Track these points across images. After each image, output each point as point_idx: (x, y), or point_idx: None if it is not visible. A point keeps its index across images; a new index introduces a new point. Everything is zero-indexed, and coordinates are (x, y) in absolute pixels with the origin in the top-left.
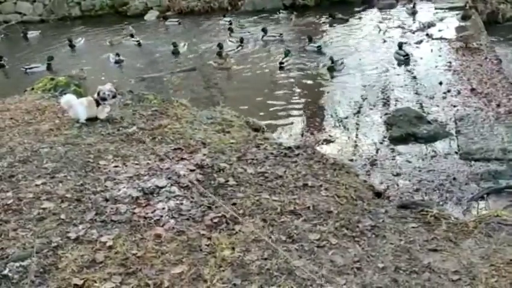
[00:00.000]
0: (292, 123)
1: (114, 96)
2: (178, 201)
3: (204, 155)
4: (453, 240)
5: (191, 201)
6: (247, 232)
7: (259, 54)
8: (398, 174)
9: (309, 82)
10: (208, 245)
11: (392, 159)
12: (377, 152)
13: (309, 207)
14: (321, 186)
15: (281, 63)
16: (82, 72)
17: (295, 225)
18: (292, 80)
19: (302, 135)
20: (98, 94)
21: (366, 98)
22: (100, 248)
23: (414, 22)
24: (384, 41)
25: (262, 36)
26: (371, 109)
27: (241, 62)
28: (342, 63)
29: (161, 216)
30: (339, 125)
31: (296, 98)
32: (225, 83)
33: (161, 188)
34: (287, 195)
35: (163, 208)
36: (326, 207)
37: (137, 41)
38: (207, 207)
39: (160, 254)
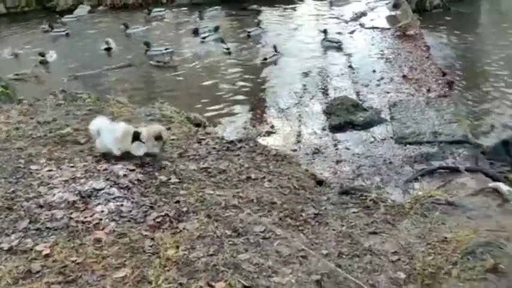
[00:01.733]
0: (235, 116)
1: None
2: (118, 203)
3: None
4: (391, 222)
5: (132, 202)
6: (191, 229)
7: (200, 49)
8: (338, 162)
9: (251, 76)
10: (151, 246)
11: (332, 147)
12: (317, 141)
13: (253, 200)
14: (264, 178)
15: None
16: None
17: (240, 219)
18: (234, 72)
19: (244, 128)
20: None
21: (306, 88)
22: (35, 257)
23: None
24: (320, 31)
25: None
26: (311, 99)
27: (186, 59)
28: (275, 55)
29: (101, 219)
30: (281, 116)
31: (238, 90)
32: (167, 79)
33: (100, 190)
34: (231, 189)
35: (102, 211)
36: (269, 198)
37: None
38: (149, 207)
39: (101, 259)
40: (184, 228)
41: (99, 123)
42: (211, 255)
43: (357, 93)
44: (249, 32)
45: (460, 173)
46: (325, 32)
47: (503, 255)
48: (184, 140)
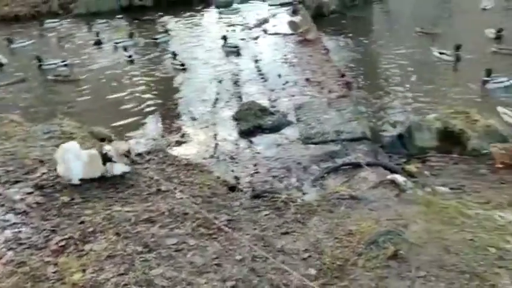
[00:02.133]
0: (143, 127)
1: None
2: (15, 230)
3: (43, 173)
4: (301, 221)
5: (31, 227)
6: (99, 250)
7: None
8: (249, 166)
9: (159, 86)
10: (55, 272)
11: (243, 152)
12: (228, 147)
13: (164, 213)
14: (175, 189)
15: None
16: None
17: (152, 233)
18: (142, 83)
19: (154, 139)
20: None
21: (215, 95)
22: None
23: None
24: (224, 38)
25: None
26: (220, 105)
27: (89, 71)
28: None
29: None
30: (191, 125)
31: (146, 101)
32: (68, 94)
33: None
34: (141, 203)
35: None
36: (181, 209)
37: None
38: (50, 231)
39: None
40: (91, 250)
41: (66, 149)
42: (122, 274)
43: (265, 98)
44: (155, 39)
45: (361, 168)
46: (225, 38)
47: (402, 242)
48: None
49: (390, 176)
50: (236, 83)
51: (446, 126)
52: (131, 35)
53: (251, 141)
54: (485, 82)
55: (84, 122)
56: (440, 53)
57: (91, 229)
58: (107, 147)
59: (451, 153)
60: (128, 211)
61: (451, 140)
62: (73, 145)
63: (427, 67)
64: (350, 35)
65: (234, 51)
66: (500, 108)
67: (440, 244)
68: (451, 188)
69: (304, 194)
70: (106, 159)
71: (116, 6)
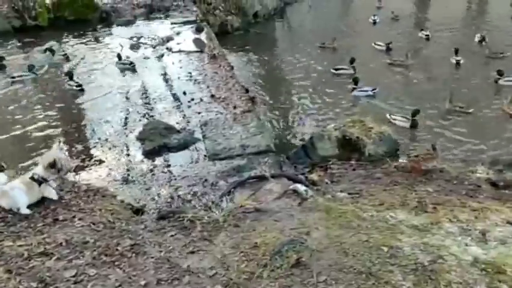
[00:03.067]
0: (39, 154)
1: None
2: None
3: None
4: (208, 238)
5: None
6: None
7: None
8: (155, 187)
9: (61, 105)
10: None
11: (148, 173)
12: (133, 169)
13: (61, 244)
14: (74, 217)
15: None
16: None
17: (48, 267)
18: (45, 103)
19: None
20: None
21: (118, 115)
22: None
23: (139, 44)
24: (118, 56)
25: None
26: (125, 125)
27: None
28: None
29: None
30: (95, 147)
31: (50, 123)
32: None
33: None
34: (35, 236)
35: None
36: (81, 238)
37: None
38: None
39: None
40: None
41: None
42: None
43: (170, 116)
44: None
45: (267, 180)
46: (119, 56)
47: (304, 249)
48: None
49: (292, 186)
50: (139, 102)
51: (344, 135)
52: (30, 68)
53: (157, 161)
54: (353, 90)
55: None
56: (337, 69)
57: None
58: (35, 169)
59: (350, 160)
60: (20, 245)
61: (349, 148)
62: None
63: (328, 80)
64: (254, 51)
65: (128, 68)
66: (389, 116)
67: (339, 248)
68: (349, 193)
69: (211, 211)
70: (38, 182)
71: (8, 27)
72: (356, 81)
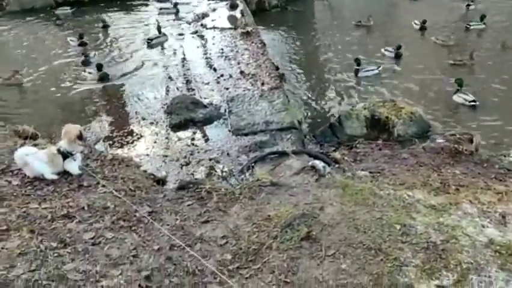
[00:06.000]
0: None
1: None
2: None
3: None
4: (222, 209)
5: None
6: (11, 247)
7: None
8: (179, 159)
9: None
10: None
11: (174, 145)
12: (159, 141)
13: (83, 208)
14: (97, 183)
15: (149, 39)
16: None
17: (69, 229)
18: (89, 86)
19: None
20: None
21: (149, 90)
22: None
23: (175, 20)
24: (163, 34)
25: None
26: (157, 96)
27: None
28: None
29: None
30: (127, 119)
31: (88, 99)
32: (9, 95)
33: None
34: (60, 200)
35: None
36: (102, 203)
37: None
38: None
39: None
40: (2, 248)
41: (24, 152)
42: (33, 270)
43: (198, 91)
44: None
45: (288, 156)
46: (158, 29)
47: (316, 223)
48: (6, 155)
49: (310, 162)
50: (170, 77)
51: (373, 115)
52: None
53: (182, 135)
54: (356, 71)
55: (8, 121)
56: (386, 50)
57: (4, 227)
58: (60, 143)
59: (378, 140)
60: (45, 208)
61: (378, 128)
62: (29, 149)
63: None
64: (290, 29)
65: (162, 42)
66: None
67: (351, 224)
68: (370, 172)
69: (228, 183)
70: (63, 155)
71: (51, 1)
72: (358, 62)
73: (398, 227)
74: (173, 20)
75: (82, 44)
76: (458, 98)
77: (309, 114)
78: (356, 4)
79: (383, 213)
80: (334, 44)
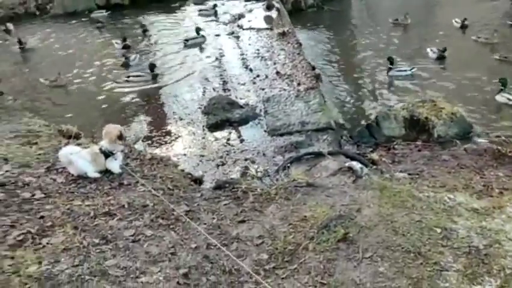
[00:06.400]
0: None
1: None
2: None
3: (6, 171)
4: (258, 209)
5: None
6: (56, 243)
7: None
8: (215, 159)
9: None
10: (11, 265)
11: (210, 145)
12: (196, 141)
13: (124, 206)
14: (137, 182)
15: (186, 40)
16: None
17: (110, 226)
18: (129, 88)
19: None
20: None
21: (187, 90)
22: None
23: (213, 20)
24: (201, 36)
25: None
26: (192, 100)
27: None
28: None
29: None
30: (165, 119)
31: (129, 103)
32: (54, 96)
33: None
34: (101, 197)
35: None
36: (141, 202)
37: None
38: (9, 227)
39: None
40: (48, 243)
41: (68, 151)
42: (77, 265)
43: (234, 92)
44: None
45: (323, 157)
46: (197, 30)
47: (353, 225)
48: (51, 154)
49: (347, 163)
50: (206, 78)
51: (412, 115)
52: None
53: (219, 134)
54: (389, 70)
55: (54, 120)
56: (431, 50)
57: (49, 223)
58: (102, 142)
59: (417, 141)
60: (88, 205)
61: (417, 128)
62: (73, 148)
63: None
64: (326, 28)
65: (200, 42)
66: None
67: (389, 226)
68: (409, 174)
69: (264, 183)
70: (105, 154)
71: (93, 5)
72: (391, 61)
73: (439, 230)
74: (211, 21)
75: (126, 47)
76: (501, 97)
77: (345, 114)
78: (393, 2)
79: (422, 216)
80: (371, 43)
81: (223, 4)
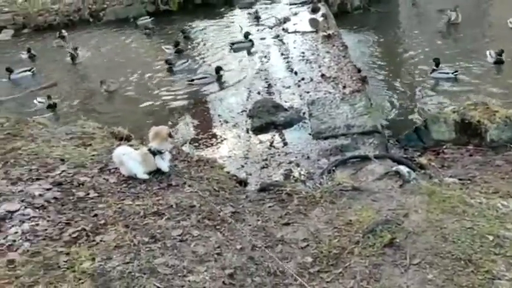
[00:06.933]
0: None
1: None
2: (33, 223)
3: (63, 171)
4: (303, 212)
5: (47, 221)
6: (108, 240)
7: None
8: (259, 161)
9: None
10: (66, 261)
11: (254, 148)
12: (240, 143)
13: (172, 206)
14: (184, 183)
15: (232, 43)
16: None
17: (159, 225)
18: (176, 92)
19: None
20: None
21: (232, 94)
22: None
23: (258, 25)
24: (249, 40)
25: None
26: (239, 104)
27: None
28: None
29: (14, 240)
30: (211, 122)
31: (177, 107)
32: (106, 99)
33: (14, 212)
34: (151, 198)
35: (16, 232)
36: (188, 202)
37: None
38: (65, 224)
39: (13, 279)
40: (101, 240)
41: (121, 152)
42: (127, 263)
43: (279, 95)
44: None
45: (370, 161)
46: (245, 35)
47: (400, 230)
48: (104, 155)
49: (394, 168)
50: (254, 81)
51: (463, 118)
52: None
53: (263, 137)
54: (432, 71)
55: (106, 123)
56: (489, 53)
57: (102, 221)
58: (150, 144)
59: (468, 145)
60: (138, 205)
61: (468, 132)
62: (125, 148)
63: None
64: (373, 30)
65: (248, 47)
66: None
67: (438, 232)
68: (460, 179)
69: (308, 186)
70: (153, 154)
71: (144, 12)
72: (437, 63)
73: (491, 237)
74: (256, 25)
75: (178, 52)
76: None
77: (392, 117)
78: (443, 2)
79: (473, 223)
80: (419, 44)
81: (267, 8)
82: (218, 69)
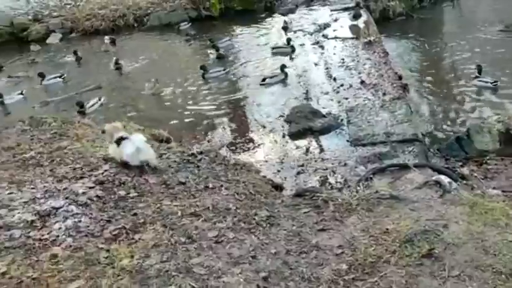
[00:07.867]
0: (204, 131)
1: None
2: (76, 219)
3: (105, 171)
4: (339, 219)
5: (90, 218)
6: (147, 239)
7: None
8: (296, 166)
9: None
10: (106, 257)
11: (291, 153)
12: (277, 148)
13: (208, 208)
14: (221, 186)
15: (273, 48)
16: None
17: (195, 226)
18: (215, 96)
19: (208, 140)
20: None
21: (270, 99)
22: None
23: (286, 35)
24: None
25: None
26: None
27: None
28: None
29: (58, 236)
30: (249, 127)
31: (215, 111)
32: (148, 103)
33: (58, 208)
34: (188, 199)
35: (60, 228)
36: (225, 205)
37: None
38: (106, 221)
39: (56, 273)
40: (140, 239)
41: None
42: (164, 261)
43: (317, 101)
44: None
45: (409, 169)
46: (288, 40)
47: (439, 241)
48: None
49: (435, 177)
50: (295, 86)
51: (508, 128)
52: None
53: (300, 143)
54: (474, 78)
55: (146, 126)
56: None
57: (141, 220)
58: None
59: None
60: (176, 205)
61: None
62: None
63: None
64: (416, 37)
65: (287, 52)
66: None
67: (479, 245)
68: (504, 191)
69: (345, 193)
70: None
71: (186, 17)
72: (479, 70)
73: None
74: (294, 32)
75: (220, 57)
76: None
77: (433, 126)
78: (490, 9)
79: None
80: (463, 52)
81: (307, 13)
82: (282, 67)
